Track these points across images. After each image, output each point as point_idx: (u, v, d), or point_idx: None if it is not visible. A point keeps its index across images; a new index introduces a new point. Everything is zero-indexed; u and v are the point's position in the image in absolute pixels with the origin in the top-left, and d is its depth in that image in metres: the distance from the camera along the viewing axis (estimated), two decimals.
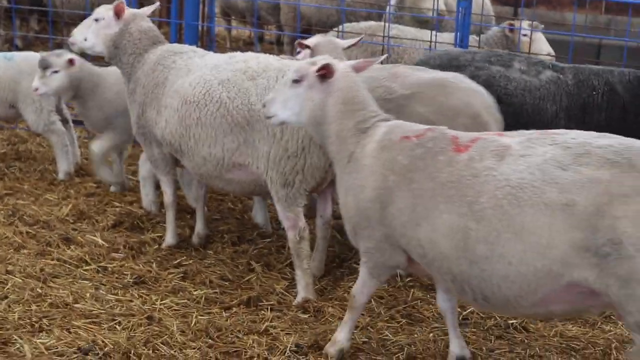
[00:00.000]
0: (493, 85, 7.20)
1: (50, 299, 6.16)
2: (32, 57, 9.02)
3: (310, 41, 7.34)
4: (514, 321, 6.15)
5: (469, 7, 8.76)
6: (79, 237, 7.27)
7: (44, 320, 5.86)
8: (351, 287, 6.34)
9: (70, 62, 7.92)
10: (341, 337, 5.51)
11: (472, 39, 9.27)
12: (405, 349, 5.67)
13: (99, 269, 6.74)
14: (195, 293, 6.39)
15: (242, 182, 6.54)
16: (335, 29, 9.86)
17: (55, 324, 5.81)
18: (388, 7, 10.51)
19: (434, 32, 9.32)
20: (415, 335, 5.88)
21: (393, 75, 6.83)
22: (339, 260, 7.06)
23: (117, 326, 5.83)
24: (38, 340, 5.56)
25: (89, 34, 7.13)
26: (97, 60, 8.25)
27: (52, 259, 6.84)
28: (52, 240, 7.20)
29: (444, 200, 4.74)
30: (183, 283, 6.57)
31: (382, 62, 6.50)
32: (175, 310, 6.12)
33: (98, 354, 5.43)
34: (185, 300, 6.27)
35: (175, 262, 6.94)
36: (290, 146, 6.11)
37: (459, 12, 8.86)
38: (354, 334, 5.79)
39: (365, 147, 5.18)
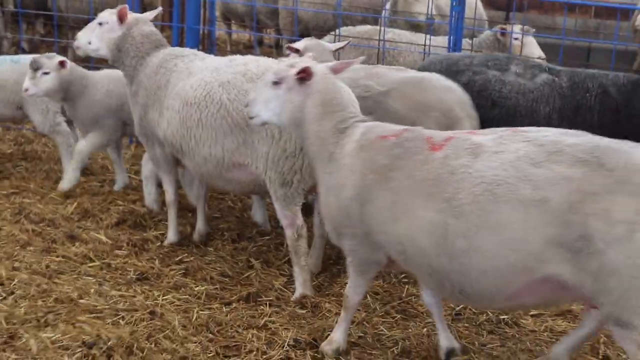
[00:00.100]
0: (488, 89, 7.24)
1: (56, 294, 6.16)
2: None
3: (299, 45, 7.39)
4: (505, 316, 6.17)
5: (462, 11, 8.77)
6: (83, 235, 7.28)
7: (50, 315, 5.86)
8: (347, 283, 6.37)
9: (62, 64, 7.91)
10: (337, 336, 5.53)
11: (465, 42, 9.28)
12: (400, 343, 5.68)
13: (103, 265, 6.75)
14: (196, 289, 6.40)
15: (242, 182, 6.55)
16: (332, 32, 9.86)
17: (61, 319, 5.82)
18: (383, 12, 10.51)
19: (428, 36, 9.33)
20: (410, 330, 5.90)
21: (371, 74, 6.98)
22: (336, 258, 7.06)
23: (120, 321, 5.84)
24: (44, 335, 5.57)
25: (93, 37, 7.13)
26: (101, 63, 8.25)
27: (58, 256, 6.85)
28: (57, 237, 7.21)
29: (423, 197, 4.76)
30: (184, 279, 6.58)
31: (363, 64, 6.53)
32: (177, 305, 6.13)
33: (102, 347, 5.43)
34: (187, 296, 6.28)
35: (177, 258, 6.96)
36: (289, 147, 6.12)
37: (452, 16, 8.87)
38: (350, 329, 5.80)
39: (344, 147, 5.18)
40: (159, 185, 7.73)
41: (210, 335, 5.71)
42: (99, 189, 8.49)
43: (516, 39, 9.36)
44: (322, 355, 5.48)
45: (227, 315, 5.98)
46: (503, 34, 9.48)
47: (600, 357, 5.65)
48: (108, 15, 7.12)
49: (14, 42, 13.25)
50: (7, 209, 7.79)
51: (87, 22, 7.49)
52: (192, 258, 6.97)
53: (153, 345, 5.52)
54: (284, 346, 5.55)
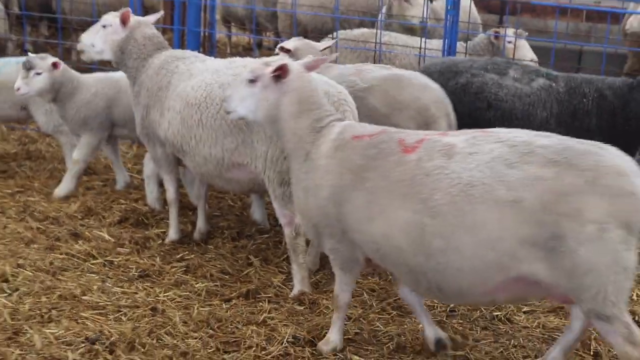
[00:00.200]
0: (485, 91, 7.26)
1: (59, 291, 6.16)
2: None
3: (290, 45, 7.44)
4: (499, 313, 6.17)
5: (457, 15, 8.77)
6: (86, 233, 7.27)
7: (53, 312, 5.86)
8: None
9: (54, 65, 7.89)
10: (334, 337, 5.52)
11: (460, 45, 9.28)
12: (395, 339, 5.68)
13: (106, 262, 6.75)
14: (196, 286, 6.39)
15: (241, 181, 6.55)
16: (330, 35, 9.86)
17: (64, 315, 5.82)
18: (380, 15, 10.51)
19: (423, 39, 9.34)
20: (405, 326, 5.89)
21: (358, 71, 7.11)
22: None
23: (122, 317, 5.84)
24: (48, 331, 5.57)
25: (97, 40, 7.13)
26: (105, 65, 8.23)
27: (61, 253, 6.84)
28: (61, 235, 7.21)
29: (399, 198, 4.77)
30: (185, 276, 6.57)
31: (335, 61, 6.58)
32: (177, 302, 6.13)
33: (105, 343, 5.44)
34: (188, 293, 6.27)
35: (178, 256, 6.95)
36: None
37: (447, 20, 8.87)
38: (347, 325, 5.80)
39: (320, 147, 5.19)
40: (161, 184, 7.72)
41: (210, 331, 5.70)
42: (101, 188, 8.49)
43: (509, 42, 9.36)
44: (320, 353, 5.48)
45: (227, 312, 5.97)
46: (497, 37, 9.48)
47: (592, 353, 5.64)
48: (111, 18, 7.12)
49: (19, 44, 13.23)
50: (11, 207, 7.79)
51: (90, 24, 7.48)
52: (192, 256, 6.96)
53: (154, 341, 5.52)
54: (283, 342, 5.54)
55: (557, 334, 5.86)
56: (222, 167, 6.50)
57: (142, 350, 5.40)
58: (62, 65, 7.97)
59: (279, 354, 5.44)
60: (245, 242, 7.28)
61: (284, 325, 5.79)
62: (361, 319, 6.00)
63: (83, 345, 5.42)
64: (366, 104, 6.65)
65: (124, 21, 7.05)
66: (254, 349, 5.48)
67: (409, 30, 10.11)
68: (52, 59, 7.89)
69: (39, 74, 7.82)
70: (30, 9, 12.67)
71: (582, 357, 5.62)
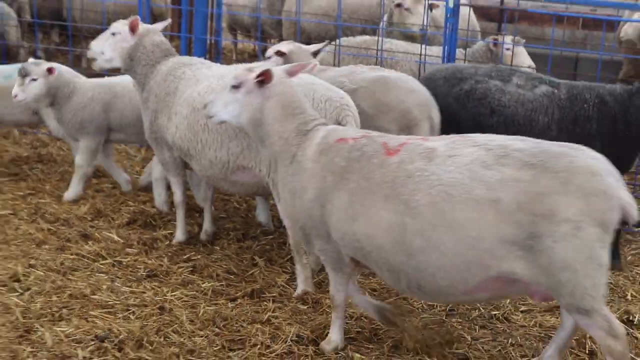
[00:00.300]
0: (488, 97, 7.27)
1: (70, 290, 6.18)
2: None
3: (285, 48, 7.53)
4: (497, 312, 6.18)
5: (456, 22, 8.77)
6: (96, 234, 7.28)
7: (64, 310, 5.88)
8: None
9: (49, 71, 7.87)
10: (335, 336, 5.54)
11: (459, 52, 9.28)
12: (396, 337, 5.68)
13: (115, 263, 6.76)
14: (203, 285, 6.40)
15: (246, 184, 6.56)
16: (333, 42, 9.86)
17: (74, 314, 5.83)
18: (381, 23, 10.51)
19: (423, 46, 9.34)
20: (405, 325, 5.89)
21: (349, 72, 7.18)
22: None
23: (131, 316, 5.86)
24: (58, 329, 5.58)
25: (106, 47, 7.13)
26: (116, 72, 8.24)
27: (72, 254, 6.86)
28: (71, 236, 7.22)
29: (381, 198, 4.81)
30: (192, 276, 6.58)
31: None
32: (184, 301, 6.14)
33: (113, 341, 5.45)
34: (194, 292, 6.28)
35: (185, 257, 6.96)
36: None
37: (447, 27, 8.87)
38: (349, 324, 5.81)
39: (306, 150, 5.22)
40: (168, 187, 7.73)
41: (216, 329, 5.72)
42: (111, 191, 8.49)
43: (508, 49, 9.35)
44: (322, 352, 5.49)
45: (232, 311, 5.98)
46: (495, 44, 9.48)
47: (587, 352, 5.65)
48: (120, 26, 7.13)
49: (31, 50, 13.24)
50: (23, 209, 7.80)
51: (100, 32, 7.49)
52: (199, 256, 6.97)
53: (162, 339, 5.53)
54: (286, 341, 5.56)
55: (553, 332, 5.84)
56: (227, 170, 6.51)
57: (150, 347, 5.41)
58: (57, 70, 7.94)
59: (283, 352, 5.45)
60: (250, 243, 7.28)
61: (288, 324, 5.80)
62: (362, 317, 6.00)
63: (92, 343, 5.44)
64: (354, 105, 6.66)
65: (132, 29, 7.06)
66: (258, 347, 5.49)
67: (410, 37, 10.11)
68: (46, 65, 7.88)
69: (34, 80, 7.81)
70: (42, 17, 12.69)
71: (577, 355, 5.62)
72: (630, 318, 6.20)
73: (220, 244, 7.30)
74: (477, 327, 5.99)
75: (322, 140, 5.20)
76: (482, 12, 12.39)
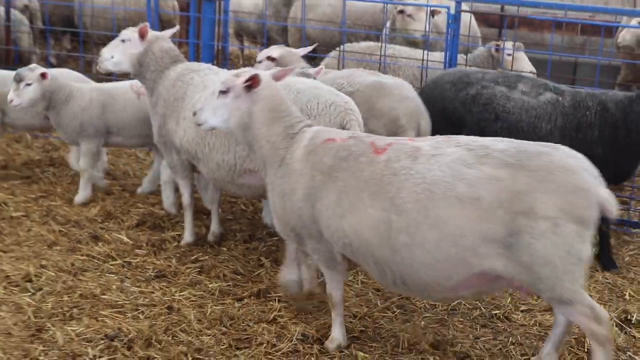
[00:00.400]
0: (493, 103, 7.26)
1: (80, 290, 6.18)
2: (65, 73, 9.03)
3: (275, 53, 7.65)
4: (498, 312, 6.18)
5: (457, 28, 8.77)
6: (106, 235, 7.29)
7: (75, 310, 5.89)
8: (350, 281, 6.38)
9: (43, 76, 7.84)
10: (337, 334, 5.54)
11: (460, 57, 9.27)
12: (399, 336, 5.68)
13: (124, 263, 6.76)
14: (210, 286, 6.40)
15: (253, 186, 6.56)
16: (337, 48, 9.87)
17: (85, 313, 5.84)
18: (384, 29, 10.51)
19: (425, 52, 9.34)
20: (408, 324, 5.89)
21: (349, 75, 7.31)
22: None
23: (140, 315, 5.86)
24: (69, 328, 5.59)
25: (116, 53, 7.13)
26: (125, 77, 8.25)
27: (82, 255, 6.86)
28: (82, 238, 7.23)
29: (368, 196, 4.85)
30: (199, 277, 6.58)
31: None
32: (192, 301, 6.14)
33: (123, 340, 5.46)
34: (202, 292, 6.29)
35: (193, 257, 6.96)
36: None
37: (448, 33, 8.87)
38: (353, 323, 5.81)
39: (294, 153, 5.24)
40: (176, 189, 7.73)
41: (223, 328, 5.72)
42: (120, 193, 8.49)
43: (509, 54, 9.34)
44: (327, 350, 5.49)
45: (239, 310, 5.98)
46: (497, 50, 9.47)
47: (586, 350, 5.64)
48: (130, 33, 7.13)
49: (43, 57, 13.28)
50: (35, 211, 7.81)
51: (110, 38, 7.50)
52: (206, 257, 6.97)
53: (170, 338, 5.54)
54: (292, 340, 5.56)
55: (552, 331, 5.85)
56: (234, 173, 6.51)
57: (159, 346, 5.42)
58: (51, 75, 7.90)
59: (289, 351, 5.45)
60: (257, 244, 7.28)
61: (294, 323, 5.80)
62: (366, 317, 6.00)
63: (102, 341, 5.45)
64: None
65: (142, 35, 7.06)
66: (264, 345, 5.49)
67: (412, 43, 10.11)
68: (40, 70, 7.84)
69: (28, 85, 7.78)
70: (53, 23, 12.72)
71: (576, 354, 5.62)
72: (629, 317, 6.20)
73: (227, 245, 7.30)
74: (478, 326, 5.99)
75: (309, 142, 5.23)
76: (482, 19, 12.38)
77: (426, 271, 4.74)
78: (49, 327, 5.62)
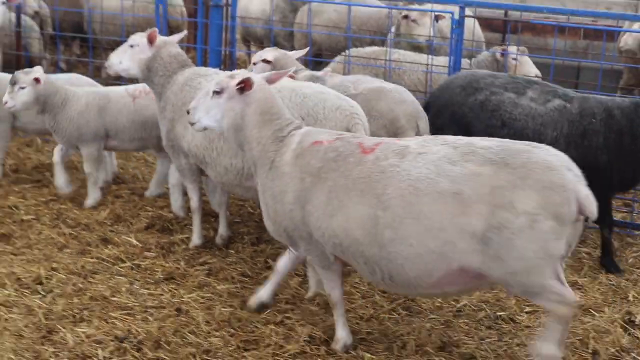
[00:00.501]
0: (500, 109, 7.23)
1: (90, 292, 6.19)
2: (75, 78, 9.03)
3: (269, 56, 7.69)
4: (503, 313, 6.16)
5: (462, 33, 8.75)
6: (115, 238, 7.29)
7: (85, 312, 5.89)
8: (357, 283, 6.37)
9: (37, 80, 7.77)
10: (340, 333, 5.54)
11: (465, 62, 9.25)
12: (404, 338, 5.67)
13: (133, 266, 6.76)
14: (218, 288, 6.40)
15: None
16: (343, 53, 9.86)
17: (95, 315, 5.85)
18: (389, 34, 10.50)
19: (430, 56, 9.32)
20: (414, 326, 5.88)
21: (355, 80, 7.49)
22: None
23: (149, 317, 5.86)
24: (79, 330, 5.60)
25: (125, 58, 7.13)
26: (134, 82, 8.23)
27: (92, 258, 6.87)
28: (91, 240, 7.23)
29: (356, 194, 4.89)
30: (208, 279, 6.58)
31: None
32: (201, 303, 6.14)
33: (132, 341, 5.47)
34: (210, 294, 6.28)
35: (201, 260, 6.96)
36: None
37: (453, 38, 8.85)
38: (359, 325, 5.80)
39: (283, 156, 5.26)
40: (185, 193, 7.73)
41: (231, 330, 5.72)
42: (129, 196, 8.49)
43: (514, 59, 9.31)
44: (334, 351, 5.47)
45: (247, 312, 5.97)
46: (503, 54, 9.44)
47: (590, 351, 5.63)
48: (139, 38, 7.13)
49: (53, 62, 13.29)
50: (46, 215, 7.82)
51: (119, 43, 7.49)
52: (215, 259, 6.97)
53: (179, 340, 5.54)
54: (299, 341, 5.55)
55: None
56: (242, 176, 6.51)
57: (168, 348, 5.42)
58: (45, 79, 7.83)
59: (296, 352, 5.45)
60: (264, 247, 7.27)
61: (301, 325, 5.79)
62: (373, 319, 6.00)
63: (112, 343, 5.46)
64: None
65: (150, 41, 7.06)
66: (272, 347, 5.49)
67: (416, 48, 10.09)
68: (35, 74, 7.78)
69: (22, 88, 7.73)
70: (63, 29, 12.73)
71: (580, 355, 5.60)
72: (632, 319, 6.18)
73: (235, 247, 7.29)
74: (483, 327, 5.98)
75: (297, 145, 5.26)
76: (486, 24, 12.36)
77: (409, 266, 4.80)
78: (59, 328, 5.62)
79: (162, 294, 6.24)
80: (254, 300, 6.02)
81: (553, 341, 4.88)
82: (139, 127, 8.14)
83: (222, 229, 7.39)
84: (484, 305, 6.26)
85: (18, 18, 11.25)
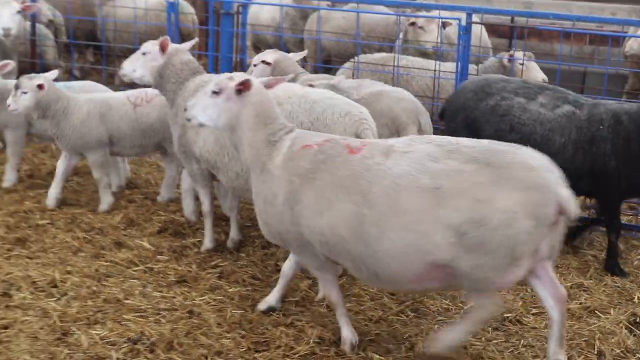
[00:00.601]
0: (510, 114, 7.21)
1: (104, 295, 6.21)
2: (88, 85, 9.07)
3: (269, 58, 7.87)
4: (509, 315, 6.16)
5: (469, 39, 8.76)
6: (128, 242, 7.32)
7: (99, 314, 5.92)
8: (365, 285, 6.39)
9: (40, 86, 7.78)
10: (345, 333, 5.57)
11: (472, 67, 9.26)
12: (412, 339, 5.68)
13: (146, 269, 6.79)
14: (230, 290, 6.42)
15: None
16: (352, 59, 9.88)
17: (109, 318, 5.87)
18: (397, 41, 10.52)
19: (438, 62, 9.34)
20: (422, 327, 5.89)
21: (358, 85, 7.65)
22: None
23: (162, 319, 5.88)
24: (93, 332, 5.63)
25: (138, 66, 7.15)
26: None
27: (106, 261, 6.89)
28: (105, 244, 7.26)
29: (343, 192, 4.93)
30: (219, 282, 6.60)
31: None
32: (212, 305, 6.16)
33: (145, 343, 5.49)
34: (222, 297, 6.30)
35: (213, 263, 6.98)
36: None
37: (460, 44, 8.86)
38: (368, 326, 5.82)
39: (274, 159, 5.30)
40: (196, 197, 7.75)
41: (242, 332, 5.73)
42: (142, 201, 8.51)
43: (522, 64, 9.32)
44: (344, 352, 5.49)
45: (257, 314, 5.99)
46: (510, 60, 9.44)
47: (596, 352, 5.63)
48: (151, 46, 7.15)
49: (67, 69, 13.34)
50: (60, 219, 7.84)
51: (132, 51, 7.52)
52: (226, 263, 6.99)
53: (191, 341, 5.56)
54: (309, 342, 5.57)
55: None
56: None
57: (180, 349, 5.44)
58: (48, 86, 7.84)
59: (306, 353, 5.47)
60: (274, 250, 7.28)
61: (310, 326, 5.80)
62: (381, 320, 6.01)
63: (126, 345, 5.48)
64: None
65: (162, 48, 7.08)
66: (282, 348, 5.50)
67: (424, 53, 10.11)
68: (38, 80, 7.79)
69: (25, 92, 7.74)
70: (77, 37, 12.78)
71: (586, 356, 5.60)
72: (637, 320, 6.18)
73: (246, 251, 7.32)
74: (490, 328, 5.98)
75: (288, 149, 5.30)
76: (493, 30, 12.36)
77: (390, 261, 4.83)
78: (74, 331, 5.65)
79: (174, 297, 6.27)
80: (262, 304, 6.05)
81: (460, 332, 5.07)
82: (139, 134, 8.16)
83: (234, 233, 7.41)
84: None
85: (33, 26, 11.31)
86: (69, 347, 5.46)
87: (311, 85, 7.12)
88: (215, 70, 9.88)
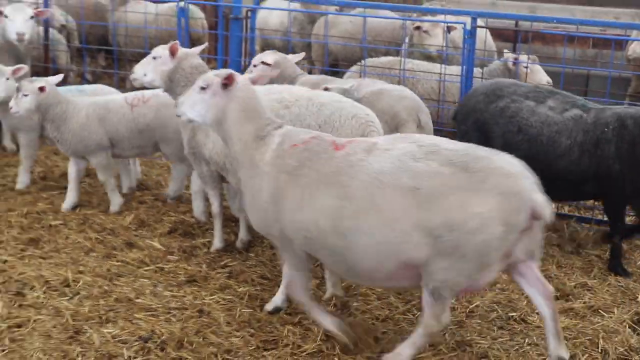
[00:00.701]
0: (518, 116, 7.23)
1: (116, 295, 6.22)
2: (100, 89, 9.09)
3: (269, 59, 7.99)
4: (514, 314, 6.16)
5: (473, 43, 8.76)
6: (139, 242, 7.33)
7: (110, 313, 5.93)
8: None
9: (41, 89, 7.79)
10: (328, 327, 5.51)
11: (477, 71, 9.25)
12: None
13: (157, 269, 6.80)
14: (239, 290, 6.42)
15: None
16: (359, 63, 9.88)
17: (120, 316, 5.88)
18: (404, 45, 10.52)
19: (443, 66, 9.34)
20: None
21: (359, 84, 7.80)
22: None
23: (172, 318, 5.89)
24: (105, 330, 5.64)
25: (148, 70, 7.15)
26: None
27: (117, 261, 6.91)
28: (117, 244, 7.27)
29: (325, 186, 4.97)
30: (229, 281, 6.61)
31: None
32: (222, 304, 6.16)
33: (156, 341, 5.50)
34: (231, 296, 6.31)
35: (222, 263, 6.99)
36: None
37: (465, 48, 8.86)
38: (375, 325, 5.81)
39: (264, 155, 5.33)
40: (206, 199, 7.76)
41: (251, 330, 5.74)
42: (153, 202, 8.52)
43: (526, 67, 9.31)
44: (349, 349, 5.48)
45: (266, 313, 5.99)
46: (515, 63, 9.42)
47: (600, 351, 5.61)
48: (161, 50, 7.15)
49: (79, 73, 13.38)
50: (72, 220, 7.86)
51: (143, 55, 7.53)
52: (235, 262, 6.99)
53: (201, 340, 5.56)
54: (316, 340, 5.57)
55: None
56: None
57: (190, 348, 5.45)
58: (48, 89, 7.83)
59: (313, 351, 5.47)
60: None
61: (317, 325, 5.79)
62: (388, 319, 6.00)
63: (137, 343, 5.49)
64: None
65: (172, 53, 7.08)
66: (290, 346, 5.51)
67: (429, 57, 10.11)
68: (39, 83, 7.79)
69: (25, 95, 7.75)
70: (89, 42, 12.81)
71: (590, 354, 5.59)
72: None
73: (255, 251, 7.32)
74: (495, 327, 5.98)
75: (278, 146, 5.32)
76: (497, 34, 12.35)
77: (365, 256, 4.87)
78: (86, 329, 5.66)
79: (184, 296, 6.27)
80: (269, 304, 6.05)
81: (413, 347, 5.12)
82: (137, 134, 8.16)
83: (243, 233, 7.41)
84: (496, 306, 6.26)
85: (46, 31, 11.35)
86: (81, 345, 5.47)
87: (326, 89, 7.17)
88: None
